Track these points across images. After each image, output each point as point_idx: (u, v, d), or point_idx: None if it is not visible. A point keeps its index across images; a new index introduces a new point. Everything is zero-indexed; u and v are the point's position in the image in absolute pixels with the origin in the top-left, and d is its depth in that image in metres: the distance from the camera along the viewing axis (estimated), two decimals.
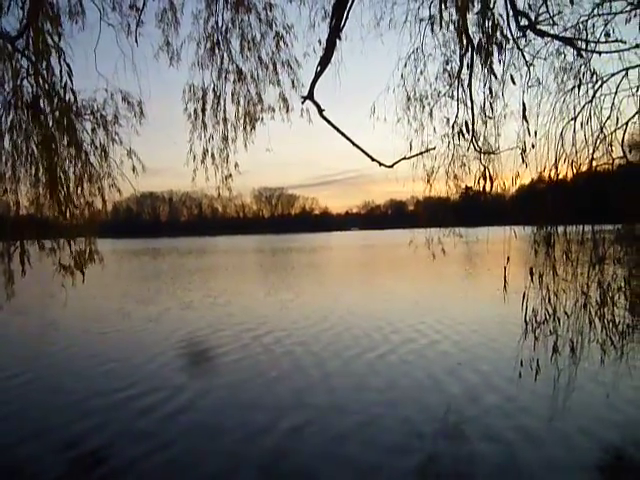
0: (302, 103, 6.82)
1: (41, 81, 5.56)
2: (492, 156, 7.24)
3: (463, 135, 6.70)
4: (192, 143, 7.70)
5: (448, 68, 7.62)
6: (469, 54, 7.14)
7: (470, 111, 7.27)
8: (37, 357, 11.10)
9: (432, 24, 7.07)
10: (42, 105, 5.71)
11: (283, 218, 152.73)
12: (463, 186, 7.99)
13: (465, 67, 7.31)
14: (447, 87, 7.66)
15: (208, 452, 6.25)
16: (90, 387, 8.89)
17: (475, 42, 6.52)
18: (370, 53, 8.17)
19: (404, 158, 6.93)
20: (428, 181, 7.79)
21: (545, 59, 6.41)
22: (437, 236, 7.98)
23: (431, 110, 7.65)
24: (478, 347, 11.04)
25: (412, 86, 7.54)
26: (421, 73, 7.53)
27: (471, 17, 6.52)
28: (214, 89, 7.79)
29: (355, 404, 7.80)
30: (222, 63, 7.76)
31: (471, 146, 7.28)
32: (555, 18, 5.75)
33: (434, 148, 7.19)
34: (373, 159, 6.70)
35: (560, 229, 5.66)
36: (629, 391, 7.86)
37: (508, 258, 5.60)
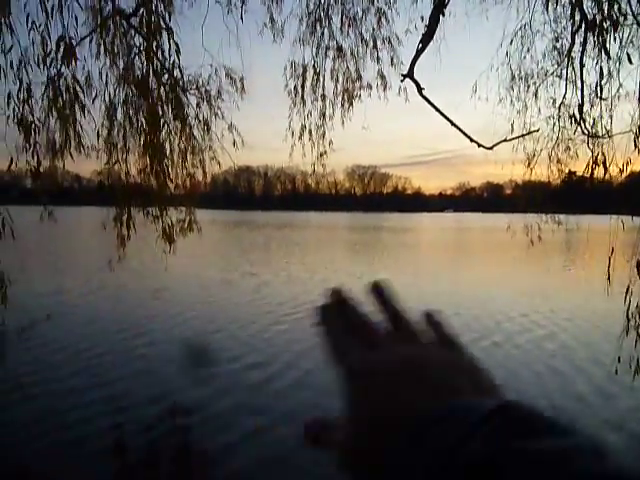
0: (401, 81, 6.72)
1: (152, 58, 5.87)
2: (601, 140, 6.82)
3: (573, 117, 6.34)
4: (291, 119, 7.82)
5: (557, 45, 7.21)
6: (582, 31, 6.73)
7: (580, 92, 6.89)
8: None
9: None
10: (150, 81, 6.03)
11: (375, 196, 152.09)
12: (566, 171, 7.63)
13: (577, 45, 6.92)
14: (555, 66, 7.27)
15: None
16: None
17: (589, 18, 6.14)
18: (474, 29, 7.91)
19: (505, 140, 6.68)
20: (529, 165, 7.50)
21: None
22: (535, 222, 7.67)
23: (536, 90, 7.32)
24: (575, 340, 10.62)
25: (517, 64, 7.24)
26: (528, 51, 7.20)
27: None
28: (314, 65, 7.84)
29: None
30: (322, 40, 7.78)
31: (578, 129, 6.92)
32: None
33: (537, 130, 6.88)
34: (472, 140, 6.51)
35: None
36: None
37: (612, 249, 5.29)
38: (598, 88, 6.45)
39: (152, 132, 6.29)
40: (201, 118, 8.10)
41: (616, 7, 5.24)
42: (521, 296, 16.02)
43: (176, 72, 5.98)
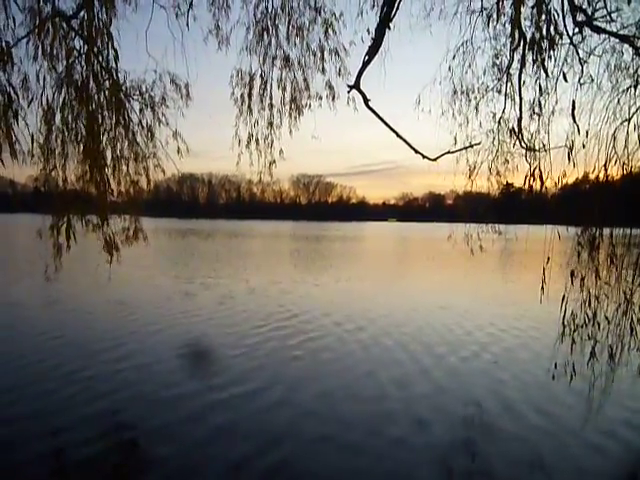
0: (348, 92, 6.78)
1: (92, 61, 5.68)
2: (538, 154, 7.09)
3: (512, 131, 6.56)
4: (237, 127, 7.75)
5: (497, 62, 7.47)
6: (520, 49, 7.00)
7: (518, 107, 7.14)
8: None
9: (485, 16, 6.96)
10: (91, 85, 5.84)
11: (320, 205, 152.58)
12: (505, 183, 7.88)
13: (515, 62, 7.18)
14: (495, 81, 7.53)
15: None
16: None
17: (528, 37, 6.39)
18: (418, 44, 8.07)
19: (448, 152, 6.86)
20: (470, 176, 7.70)
21: (600, 57, 6.23)
22: (476, 232, 7.88)
23: (477, 104, 7.53)
24: (513, 348, 10.94)
25: (459, 79, 7.42)
26: (469, 66, 7.40)
27: (525, 11, 6.41)
28: (261, 75, 7.81)
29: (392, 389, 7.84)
30: (270, 49, 7.77)
31: (517, 143, 7.16)
32: (613, 15, 5.56)
33: (479, 143, 7.09)
34: (417, 151, 6.64)
35: (606, 231, 5.51)
36: None
37: (548, 258, 5.50)
38: (535, 104, 6.73)
39: (91, 138, 6.06)
40: (145, 124, 7.94)
41: (552, 27, 5.47)
42: (463, 305, 16.41)
43: (120, 76, 5.80)
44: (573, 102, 5.35)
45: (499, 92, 7.45)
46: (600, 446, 6.25)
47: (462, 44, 7.23)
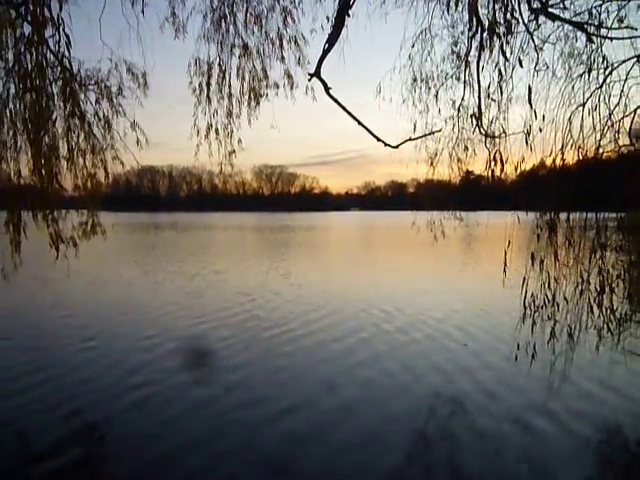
0: (309, 80, 6.73)
1: (42, 49, 5.48)
2: (497, 140, 7.21)
3: (473, 117, 6.65)
4: (196, 117, 7.61)
5: (456, 50, 7.54)
6: (478, 36, 7.08)
7: (477, 94, 7.23)
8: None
9: (442, 4, 7.00)
10: (41, 74, 5.63)
11: (283, 196, 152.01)
12: (465, 169, 7.98)
13: (474, 49, 7.26)
14: (454, 69, 7.60)
15: None
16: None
17: (485, 24, 6.46)
18: (377, 32, 8.06)
19: (409, 139, 6.89)
20: (431, 163, 7.77)
21: (555, 44, 6.35)
22: (438, 219, 7.98)
23: (437, 92, 7.59)
24: (477, 331, 11.11)
25: (419, 67, 7.45)
26: (428, 54, 7.44)
27: None
28: (219, 63, 7.69)
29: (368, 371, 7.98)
30: (228, 37, 7.64)
31: (476, 129, 7.26)
32: (567, 2, 5.68)
33: (440, 130, 7.16)
34: (379, 139, 6.65)
35: (563, 216, 5.66)
36: (623, 377, 7.92)
37: (509, 242, 5.62)
38: (494, 91, 6.84)
39: (38, 129, 5.83)
40: (101, 115, 7.74)
41: (509, 14, 5.54)
42: (428, 290, 16.63)
43: (74, 66, 5.62)
44: (529, 88, 5.45)
45: (458, 79, 7.53)
46: (560, 422, 6.43)
47: (421, 32, 7.26)
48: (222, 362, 8.93)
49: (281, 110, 8.22)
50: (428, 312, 12.85)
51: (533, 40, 6.62)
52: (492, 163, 5.75)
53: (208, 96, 7.70)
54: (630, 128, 5.56)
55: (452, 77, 7.61)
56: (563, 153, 5.46)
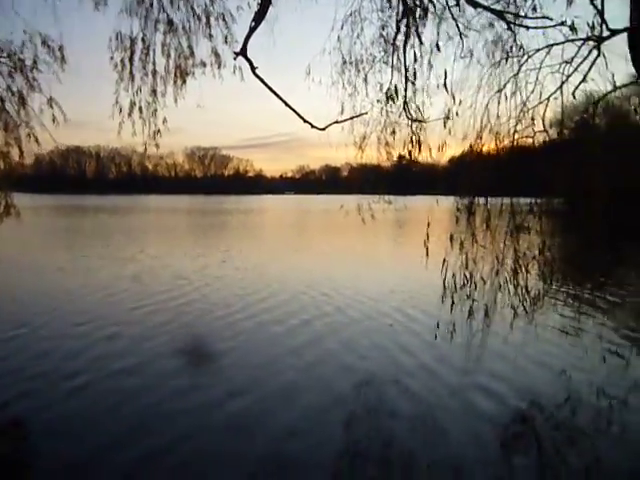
0: (234, 59, 6.63)
1: None
2: (422, 124, 7.37)
3: (394, 101, 6.76)
4: (118, 95, 7.31)
5: (384, 33, 7.59)
6: (405, 20, 7.18)
7: (403, 78, 7.35)
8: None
9: None
10: None
11: (216, 179, 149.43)
12: (394, 153, 8.10)
13: (401, 34, 7.35)
14: (382, 53, 7.66)
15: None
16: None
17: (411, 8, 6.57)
18: (308, 12, 8.02)
19: (336, 122, 6.91)
20: (360, 147, 7.84)
21: (479, 31, 6.54)
22: (367, 202, 8.06)
23: (366, 75, 7.63)
24: (399, 311, 11.19)
25: (348, 50, 7.47)
26: (357, 37, 7.45)
27: None
28: (143, 39, 7.40)
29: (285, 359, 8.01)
30: (152, 12, 7.37)
31: (402, 113, 7.39)
32: None
33: (366, 113, 7.20)
34: (305, 121, 6.65)
35: (482, 200, 5.87)
36: (535, 353, 8.22)
37: (429, 224, 5.78)
38: (420, 76, 6.99)
39: None
40: (14, 90, 7.31)
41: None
42: (355, 271, 16.86)
43: None
44: (445, 72, 5.59)
45: (386, 63, 7.60)
46: (474, 398, 6.57)
47: (350, 14, 7.27)
48: (160, 349, 8.52)
49: (212, 90, 8.06)
50: (357, 295, 12.98)
51: (458, 26, 6.81)
52: (416, 148, 5.88)
53: (131, 72, 7.41)
54: (544, 115, 5.81)
55: (380, 61, 7.67)
56: (481, 138, 5.66)
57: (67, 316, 10.56)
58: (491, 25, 6.60)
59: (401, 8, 7.15)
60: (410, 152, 6.48)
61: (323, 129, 6.78)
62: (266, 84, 6.32)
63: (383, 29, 7.56)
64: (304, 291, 13.29)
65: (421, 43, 7.14)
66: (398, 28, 7.27)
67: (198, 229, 36.38)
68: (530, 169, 6.05)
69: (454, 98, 5.54)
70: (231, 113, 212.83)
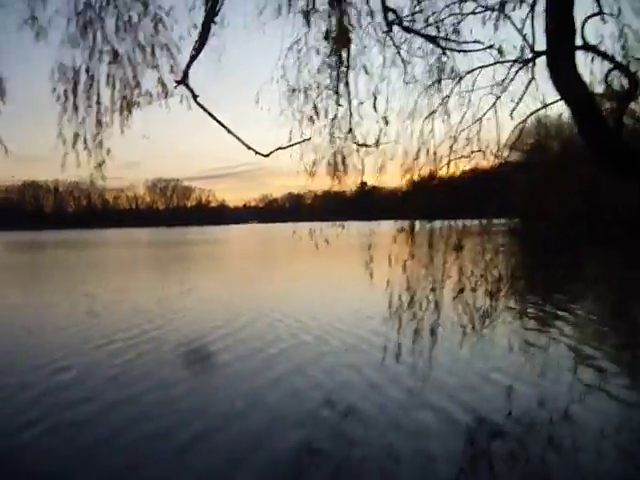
0: (175, 88, 6.65)
1: None
2: (371, 150, 7.48)
3: (340, 128, 6.88)
4: (61, 127, 7.22)
5: (328, 61, 7.74)
6: (347, 48, 7.34)
7: (348, 105, 7.48)
8: None
9: (317, 17, 7.17)
10: None
11: (178, 211, 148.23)
12: (346, 179, 8.17)
13: (345, 61, 7.50)
14: (329, 80, 7.79)
15: None
16: None
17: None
18: (255, 42, 8.12)
19: (280, 148, 6.94)
20: (310, 173, 7.88)
21: (422, 57, 6.74)
22: (319, 228, 8.05)
23: (314, 103, 7.75)
24: (347, 334, 10.77)
25: (295, 78, 7.58)
26: (305, 65, 7.59)
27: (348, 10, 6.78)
28: (87, 70, 7.38)
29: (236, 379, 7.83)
30: (95, 43, 7.36)
31: (349, 139, 7.50)
32: (418, 15, 6.03)
33: (309, 139, 7.26)
34: (249, 147, 6.65)
35: (425, 222, 5.97)
36: (481, 370, 8.01)
37: (370, 246, 5.84)
38: (365, 102, 7.15)
39: None
40: None
41: (372, 28, 5.80)
42: (307, 297, 16.83)
43: None
44: (374, 96, 5.72)
45: (332, 90, 7.73)
46: (423, 417, 6.47)
47: (295, 42, 7.39)
48: (124, 391, 7.98)
49: (169, 122, 8.09)
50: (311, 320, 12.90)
51: (399, 53, 7.00)
52: (362, 173, 5.97)
53: (75, 104, 7.34)
54: (478, 135, 5.99)
55: (327, 88, 7.80)
56: (418, 157, 5.78)
57: (24, 355, 10.09)
58: (433, 51, 6.84)
59: (342, 37, 7.32)
60: (361, 178, 6.57)
61: (267, 155, 6.81)
62: (208, 112, 6.34)
63: (328, 57, 7.73)
64: (259, 318, 13.14)
65: (366, 72, 7.35)
66: (341, 56, 7.44)
67: (162, 262, 35.84)
68: (469, 193, 6.22)
69: (387, 123, 5.66)
70: (193, 144, 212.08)
